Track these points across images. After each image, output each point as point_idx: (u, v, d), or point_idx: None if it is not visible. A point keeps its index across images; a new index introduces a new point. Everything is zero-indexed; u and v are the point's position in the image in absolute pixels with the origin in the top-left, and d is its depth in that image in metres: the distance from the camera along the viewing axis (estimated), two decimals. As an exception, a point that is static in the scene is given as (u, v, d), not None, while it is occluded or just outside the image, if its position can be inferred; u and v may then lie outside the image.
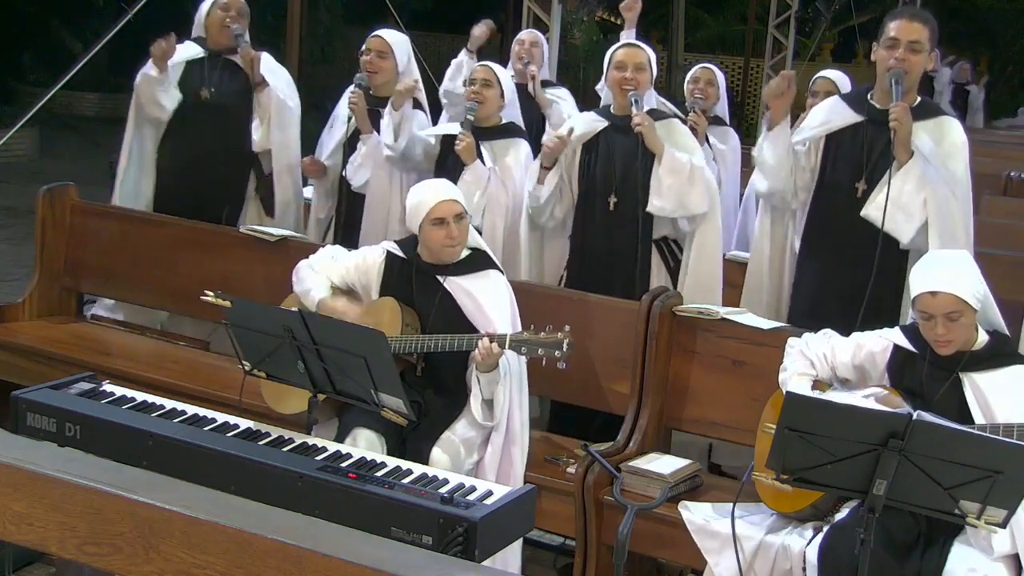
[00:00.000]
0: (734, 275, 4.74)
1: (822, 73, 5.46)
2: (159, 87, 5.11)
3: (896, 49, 3.94)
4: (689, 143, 4.56)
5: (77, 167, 10.20)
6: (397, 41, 5.08)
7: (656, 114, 4.60)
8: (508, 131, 4.87)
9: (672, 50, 17.95)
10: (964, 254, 3.44)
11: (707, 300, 4.28)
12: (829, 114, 4.22)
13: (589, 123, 4.63)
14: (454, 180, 4.50)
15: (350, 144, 5.02)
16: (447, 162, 4.79)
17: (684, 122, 4.87)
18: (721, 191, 4.90)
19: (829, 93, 5.09)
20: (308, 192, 5.42)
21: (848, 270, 4.08)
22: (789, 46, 15.01)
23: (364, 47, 5.10)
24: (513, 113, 4.95)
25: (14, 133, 8.62)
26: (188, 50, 5.23)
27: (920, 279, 3.30)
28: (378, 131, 4.93)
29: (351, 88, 5.00)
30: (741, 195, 5.56)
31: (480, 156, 4.71)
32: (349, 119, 5.00)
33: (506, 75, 4.95)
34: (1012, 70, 19.10)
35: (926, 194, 3.93)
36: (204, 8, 5.22)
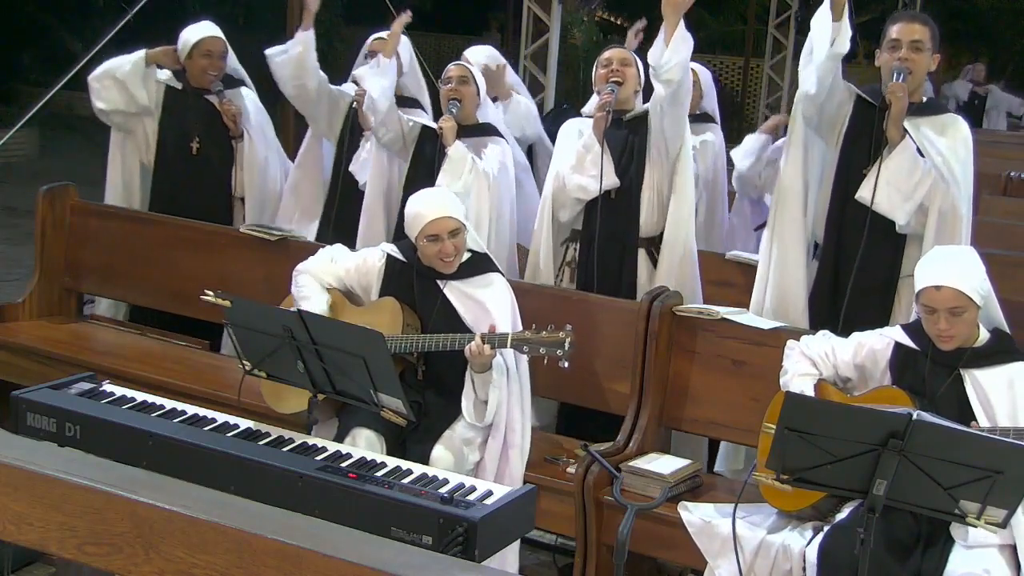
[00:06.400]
0: (734, 275, 4.74)
1: None
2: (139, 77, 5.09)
3: (898, 50, 3.96)
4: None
5: (77, 167, 10.18)
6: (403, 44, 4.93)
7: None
8: (485, 130, 4.73)
9: (672, 50, 17.90)
10: (970, 250, 3.45)
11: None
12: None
13: (583, 126, 4.55)
14: (433, 169, 4.49)
15: (351, 138, 5.04)
16: (424, 152, 4.69)
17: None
18: (697, 188, 4.84)
19: None
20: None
21: (841, 257, 4.05)
22: (789, 46, 14.98)
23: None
24: (488, 112, 4.82)
25: (14, 133, 8.62)
26: (164, 72, 5.18)
27: (925, 273, 3.32)
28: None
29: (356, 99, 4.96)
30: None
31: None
32: (349, 112, 5.04)
33: (479, 72, 4.82)
34: (1013, 70, 19.08)
35: (923, 177, 3.90)
36: (184, 48, 5.07)
